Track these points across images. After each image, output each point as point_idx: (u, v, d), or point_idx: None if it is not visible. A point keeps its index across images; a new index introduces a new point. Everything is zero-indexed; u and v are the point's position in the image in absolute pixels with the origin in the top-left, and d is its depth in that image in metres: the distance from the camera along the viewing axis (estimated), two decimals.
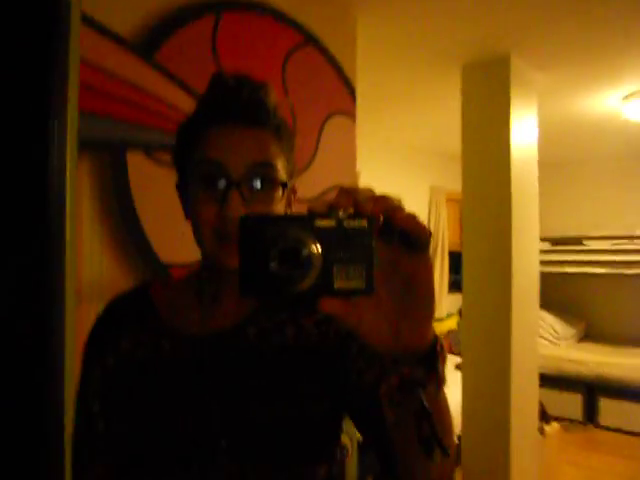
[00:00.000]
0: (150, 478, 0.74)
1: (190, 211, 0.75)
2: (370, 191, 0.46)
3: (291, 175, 0.79)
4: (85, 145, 1.41)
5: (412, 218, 0.45)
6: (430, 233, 0.46)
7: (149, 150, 1.55)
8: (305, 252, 0.43)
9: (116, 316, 0.83)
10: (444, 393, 0.55)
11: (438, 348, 0.50)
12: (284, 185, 0.75)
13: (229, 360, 0.75)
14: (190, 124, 0.77)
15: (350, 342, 0.76)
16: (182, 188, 0.79)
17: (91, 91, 1.42)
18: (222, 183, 0.71)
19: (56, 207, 1.22)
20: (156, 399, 0.73)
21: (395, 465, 0.67)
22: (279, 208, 0.75)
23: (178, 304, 0.81)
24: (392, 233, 0.45)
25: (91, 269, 1.42)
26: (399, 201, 0.46)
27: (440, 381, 0.51)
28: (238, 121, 0.73)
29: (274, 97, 0.78)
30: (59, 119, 1.24)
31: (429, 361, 0.49)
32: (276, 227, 0.44)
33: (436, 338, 0.50)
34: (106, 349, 0.79)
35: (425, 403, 0.50)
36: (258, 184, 0.72)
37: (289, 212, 0.80)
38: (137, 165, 1.54)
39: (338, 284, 0.44)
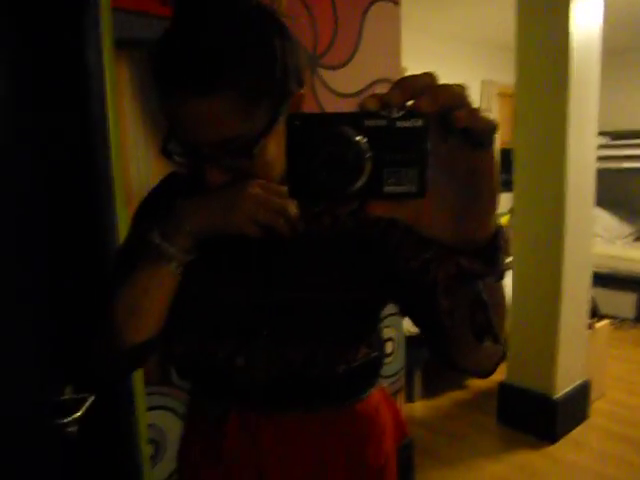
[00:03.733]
0: (198, 338, 0.79)
1: None
2: (430, 79, 0.41)
3: (297, 80, 0.70)
4: (121, 43, 1.39)
5: (475, 114, 0.41)
6: (496, 126, 0.42)
7: None
8: (353, 156, 0.41)
9: (171, 188, 0.84)
10: (502, 285, 0.55)
11: (500, 241, 0.48)
12: (259, 140, 0.66)
13: (269, 245, 0.76)
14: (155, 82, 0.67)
15: (391, 230, 0.75)
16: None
17: None
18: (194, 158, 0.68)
19: (98, 106, 1.22)
20: (201, 274, 0.75)
21: (444, 349, 0.68)
22: (273, 146, 0.68)
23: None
24: (453, 129, 0.42)
25: (138, 167, 1.44)
26: (462, 91, 0.41)
27: (499, 274, 0.50)
28: (191, 92, 0.62)
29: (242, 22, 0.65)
30: (92, 15, 1.21)
31: (489, 253, 0.48)
32: (323, 128, 0.41)
33: (498, 231, 0.48)
34: (159, 213, 0.80)
35: (482, 294, 0.50)
36: (233, 154, 0.66)
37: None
38: None
39: (388, 188, 0.42)
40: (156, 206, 0.82)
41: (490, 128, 0.42)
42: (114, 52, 1.35)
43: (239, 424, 0.81)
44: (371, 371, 0.87)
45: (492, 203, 0.46)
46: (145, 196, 0.86)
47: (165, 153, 0.69)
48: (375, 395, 0.88)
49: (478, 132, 0.41)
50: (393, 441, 0.93)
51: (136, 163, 1.45)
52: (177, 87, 0.63)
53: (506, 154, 2.88)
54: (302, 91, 0.71)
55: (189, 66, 0.62)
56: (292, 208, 0.70)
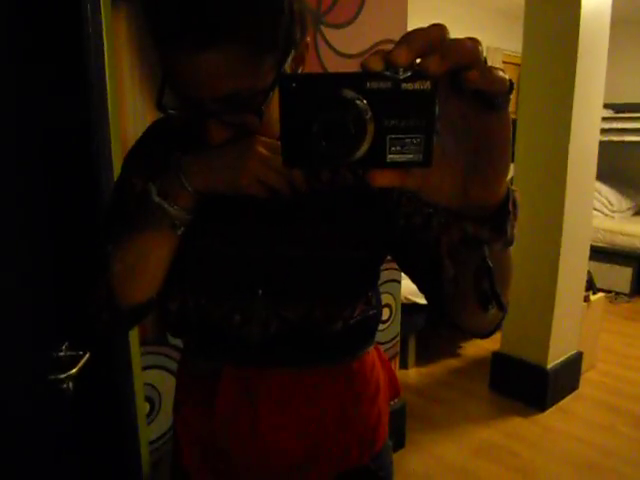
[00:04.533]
0: (193, 294, 0.77)
1: None
2: (440, 33, 0.37)
3: (301, 36, 0.65)
4: None
5: (488, 74, 0.38)
6: (512, 87, 0.39)
7: None
8: (353, 122, 0.37)
9: (162, 132, 0.80)
10: (509, 252, 0.53)
11: (510, 206, 0.46)
12: (267, 98, 0.62)
13: (267, 201, 0.73)
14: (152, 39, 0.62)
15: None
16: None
17: None
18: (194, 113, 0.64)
19: (95, 61, 1.18)
20: (198, 228, 0.73)
21: (446, 311, 0.67)
22: (276, 102, 0.65)
23: None
24: (464, 89, 0.38)
25: (134, 122, 1.41)
26: (475, 47, 0.37)
27: (507, 240, 0.47)
28: (188, 44, 0.57)
29: None
30: None
31: (497, 219, 0.46)
32: (321, 90, 0.38)
33: (508, 196, 0.46)
34: (152, 158, 0.78)
35: (487, 260, 0.48)
36: (237, 109, 0.62)
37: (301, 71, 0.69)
38: None
39: (391, 157, 0.39)
40: (147, 154, 0.79)
41: (504, 89, 0.38)
42: (112, 6, 1.31)
43: (233, 380, 0.80)
44: (368, 329, 0.86)
45: (503, 168, 0.43)
46: (134, 143, 0.82)
47: (160, 107, 0.65)
48: (371, 353, 0.88)
49: (491, 93, 0.38)
50: (387, 400, 0.93)
51: (133, 115, 1.41)
52: (174, 39, 0.57)
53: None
54: (307, 39, 0.67)
55: (187, 16, 0.56)
56: (297, 171, 0.68)
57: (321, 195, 0.74)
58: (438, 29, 0.38)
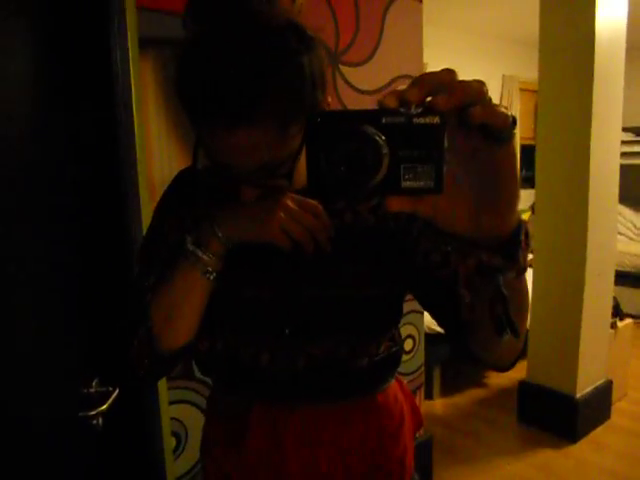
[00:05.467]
0: (222, 336, 0.80)
1: None
2: (449, 76, 0.42)
3: (323, 90, 0.68)
4: (146, 42, 1.40)
5: (492, 110, 0.41)
6: (514, 121, 0.42)
7: None
8: (371, 152, 0.42)
9: (188, 184, 0.84)
10: (524, 280, 0.55)
11: (522, 236, 0.48)
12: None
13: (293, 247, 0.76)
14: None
15: (410, 225, 0.76)
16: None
17: None
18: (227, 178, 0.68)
19: (123, 104, 1.24)
20: (228, 272, 0.76)
21: (465, 342, 0.69)
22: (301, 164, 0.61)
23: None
24: (470, 125, 0.42)
25: (161, 165, 1.46)
26: (480, 88, 0.41)
27: (519, 269, 0.49)
28: (224, 122, 0.61)
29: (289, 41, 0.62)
30: (118, 15, 1.23)
31: (510, 248, 0.48)
32: (343, 124, 0.42)
33: (520, 225, 0.48)
34: (181, 209, 0.82)
35: (502, 288, 0.50)
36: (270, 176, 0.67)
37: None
38: None
39: (405, 183, 0.42)
40: (178, 203, 0.83)
41: (508, 123, 0.42)
42: (139, 51, 1.37)
43: (261, 418, 0.82)
44: (392, 364, 0.88)
45: (512, 198, 0.46)
46: (164, 192, 0.87)
47: (195, 170, 0.70)
48: (393, 385, 0.90)
49: (496, 127, 0.42)
50: (411, 431, 0.93)
51: (160, 161, 1.47)
52: (209, 119, 0.61)
53: (528, 150, 2.85)
54: (328, 98, 0.71)
55: (221, 97, 0.59)
56: (323, 225, 0.72)
57: (344, 236, 0.77)
58: (447, 72, 0.42)
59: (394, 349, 0.86)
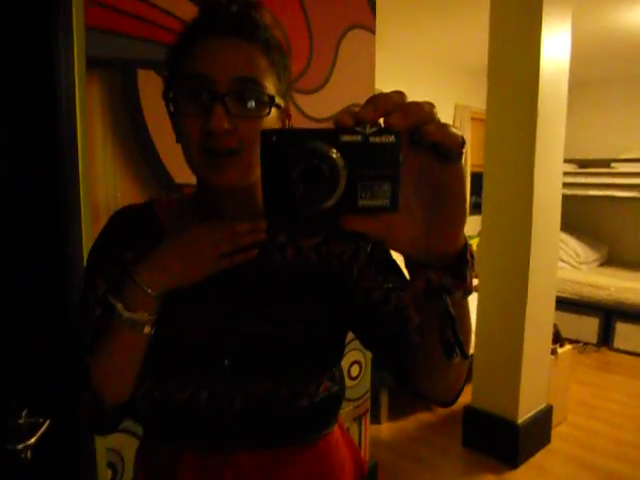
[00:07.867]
0: (158, 380, 0.77)
1: (178, 128, 0.73)
2: (400, 97, 0.43)
3: (284, 95, 0.75)
4: (94, 63, 1.38)
5: (443, 129, 0.42)
6: (463, 142, 0.43)
7: (160, 67, 1.51)
8: (329, 170, 0.41)
9: (120, 227, 0.83)
10: (467, 303, 0.55)
11: (468, 256, 0.49)
12: (273, 103, 0.71)
13: (232, 278, 0.76)
14: (179, 38, 0.74)
15: (351, 264, 0.77)
16: (171, 103, 0.74)
17: (98, 6, 1.37)
18: (206, 96, 0.68)
19: (67, 127, 1.21)
20: (163, 311, 0.75)
21: (409, 376, 0.69)
22: (269, 126, 0.71)
23: (181, 221, 0.80)
24: (422, 143, 0.43)
25: (106, 189, 1.43)
26: (431, 108, 0.43)
27: (467, 289, 0.50)
28: (225, 33, 0.70)
29: (268, 17, 0.75)
30: (65, 35, 1.20)
31: (458, 268, 0.49)
32: (299, 143, 0.42)
33: (466, 246, 0.49)
34: (111, 258, 0.80)
35: (450, 309, 0.50)
36: (245, 99, 0.69)
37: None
38: (148, 83, 1.50)
39: (362, 202, 0.43)
40: (108, 253, 0.82)
41: (458, 142, 0.43)
42: (86, 72, 1.34)
43: (193, 466, 0.78)
44: (333, 406, 0.86)
45: (461, 216, 0.47)
46: (97, 237, 0.84)
47: (165, 97, 0.73)
48: (335, 432, 0.87)
49: (446, 146, 0.43)
50: (353, 478, 0.90)
51: (104, 182, 1.43)
52: (218, 31, 0.69)
53: (478, 178, 2.92)
54: (289, 116, 0.77)
55: (230, 17, 0.71)
56: (244, 227, 0.74)
57: (285, 272, 0.77)
58: (398, 94, 0.43)
59: (334, 389, 0.84)
